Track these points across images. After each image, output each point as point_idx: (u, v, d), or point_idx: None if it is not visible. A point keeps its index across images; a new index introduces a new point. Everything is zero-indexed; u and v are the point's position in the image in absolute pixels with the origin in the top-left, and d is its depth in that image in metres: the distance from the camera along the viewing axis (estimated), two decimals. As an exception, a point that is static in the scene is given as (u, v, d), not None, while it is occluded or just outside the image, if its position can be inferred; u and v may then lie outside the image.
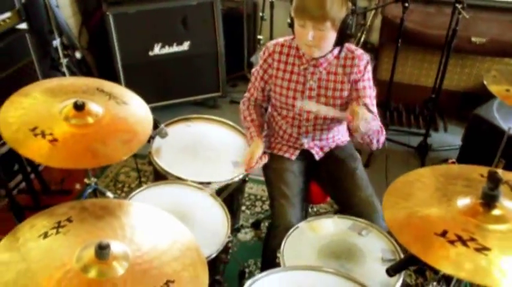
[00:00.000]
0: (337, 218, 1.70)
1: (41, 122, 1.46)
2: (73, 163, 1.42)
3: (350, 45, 1.86)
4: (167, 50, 3.23)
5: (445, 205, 1.03)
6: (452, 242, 0.94)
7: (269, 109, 2.12)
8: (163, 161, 1.92)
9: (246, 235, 2.55)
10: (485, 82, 1.64)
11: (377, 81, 2.86)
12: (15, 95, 1.57)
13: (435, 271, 1.26)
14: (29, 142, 1.40)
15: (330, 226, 1.66)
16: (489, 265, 0.90)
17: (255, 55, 4.00)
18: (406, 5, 2.63)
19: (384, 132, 1.75)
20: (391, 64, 2.95)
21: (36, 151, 1.38)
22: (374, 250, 1.55)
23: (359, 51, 1.85)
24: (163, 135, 1.98)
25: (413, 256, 1.30)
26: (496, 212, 1.01)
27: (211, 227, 1.69)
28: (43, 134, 1.42)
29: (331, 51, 1.80)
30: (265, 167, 2.03)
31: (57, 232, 1.25)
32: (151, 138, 1.99)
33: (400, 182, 1.17)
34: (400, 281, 1.43)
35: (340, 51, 1.83)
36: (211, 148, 2.05)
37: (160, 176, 1.91)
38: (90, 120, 1.53)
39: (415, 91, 3.37)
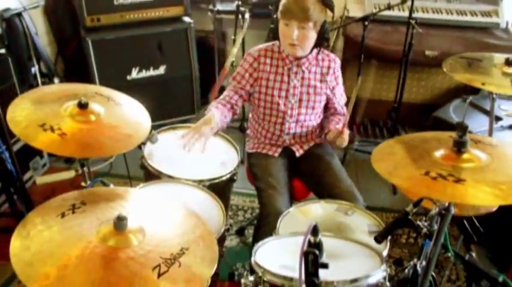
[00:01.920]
0: (324, 202, 1.85)
1: (48, 119, 1.55)
2: (83, 153, 1.52)
3: (324, 50, 2.10)
4: (144, 74, 3.37)
5: (424, 156, 1.23)
6: (434, 178, 1.13)
7: (251, 114, 2.29)
8: (156, 163, 2.02)
9: (232, 241, 2.65)
10: (444, 69, 1.90)
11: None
12: (18, 99, 1.66)
13: (417, 231, 1.42)
14: (40, 136, 1.48)
15: (318, 209, 1.81)
16: (466, 190, 1.12)
17: (226, 79, 4.19)
18: (366, 23, 2.91)
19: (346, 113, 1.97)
20: (354, 81, 3.20)
21: (47, 143, 1.47)
22: (360, 225, 1.71)
23: (332, 56, 2.11)
24: (154, 140, 2.09)
25: (396, 220, 1.48)
26: (465, 156, 1.23)
27: (208, 218, 1.78)
28: (52, 129, 1.51)
29: (310, 52, 2.02)
30: (251, 165, 2.18)
31: (74, 212, 1.33)
32: (142, 144, 2.11)
33: (382, 146, 1.35)
34: (387, 250, 1.58)
35: (318, 53, 2.05)
36: (199, 149, 2.17)
37: (153, 178, 2.01)
38: (93, 118, 1.63)
39: (378, 105, 3.64)
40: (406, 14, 3.00)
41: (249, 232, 2.70)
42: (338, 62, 2.12)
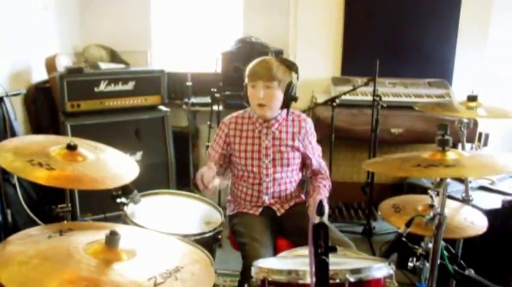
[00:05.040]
0: (312, 247, 1.81)
1: (35, 157, 1.54)
2: (72, 185, 1.49)
3: (295, 111, 2.24)
4: (121, 159, 3.38)
5: (413, 157, 1.30)
6: (426, 167, 1.20)
7: (230, 180, 2.31)
8: (139, 221, 1.96)
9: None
10: (416, 108, 2.05)
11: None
12: (3, 143, 1.65)
13: (418, 243, 1.42)
14: (28, 169, 1.45)
15: (307, 252, 1.76)
16: (459, 169, 1.20)
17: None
18: (334, 104, 3.13)
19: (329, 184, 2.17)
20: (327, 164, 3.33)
21: (36, 175, 1.44)
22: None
23: (303, 116, 2.25)
24: (137, 201, 2.07)
25: (391, 243, 1.48)
26: (450, 153, 1.32)
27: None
28: (40, 164, 1.49)
29: (280, 113, 2.15)
30: (234, 225, 2.16)
31: (61, 235, 1.27)
32: (124, 205, 2.07)
33: (367, 162, 1.42)
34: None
35: (287, 114, 2.18)
36: (182, 211, 2.16)
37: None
38: (81, 159, 1.63)
39: (350, 188, 3.73)
40: (369, 98, 3.27)
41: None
42: (310, 121, 2.24)
